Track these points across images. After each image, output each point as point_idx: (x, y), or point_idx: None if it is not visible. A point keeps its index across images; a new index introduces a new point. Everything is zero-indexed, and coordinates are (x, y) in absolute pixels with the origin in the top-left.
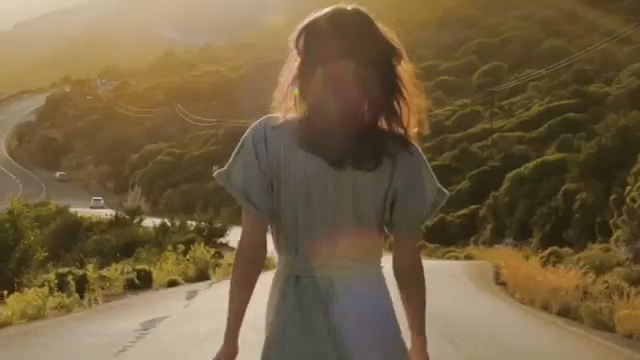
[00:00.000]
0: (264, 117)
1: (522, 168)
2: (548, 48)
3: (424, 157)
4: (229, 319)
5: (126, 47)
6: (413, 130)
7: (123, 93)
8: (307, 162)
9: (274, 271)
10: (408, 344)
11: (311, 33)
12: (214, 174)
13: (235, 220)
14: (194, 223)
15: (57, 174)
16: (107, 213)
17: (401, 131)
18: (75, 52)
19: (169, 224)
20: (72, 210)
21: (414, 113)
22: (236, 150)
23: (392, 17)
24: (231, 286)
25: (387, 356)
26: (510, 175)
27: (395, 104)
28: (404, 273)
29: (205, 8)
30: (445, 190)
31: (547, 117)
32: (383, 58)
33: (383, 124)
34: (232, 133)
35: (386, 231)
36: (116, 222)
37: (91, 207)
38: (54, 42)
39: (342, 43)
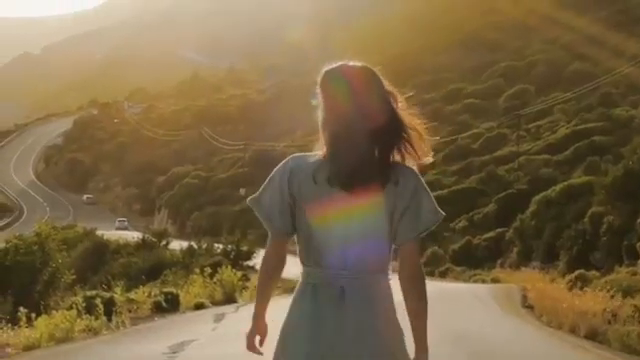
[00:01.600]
0: (290, 156)
1: (549, 191)
2: (574, 71)
3: (423, 181)
4: (256, 305)
5: (151, 70)
6: (422, 152)
7: (150, 116)
8: (323, 190)
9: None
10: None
11: (326, 84)
12: (247, 199)
13: (262, 243)
14: (221, 246)
15: (84, 197)
16: (134, 236)
17: (404, 159)
18: (102, 75)
19: (196, 247)
20: (99, 233)
21: (417, 141)
22: (266, 181)
23: (417, 41)
24: (258, 283)
25: (384, 355)
26: (537, 198)
27: (397, 138)
28: (406, 281)
29: (228, 31)
30: (442, 211)
31: (574, 140)
32: (384, 101)
33: (388, 154)
34: (258, 156)
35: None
36: (143, 245)
37: (116, 228)
38: (81, 65)
39: (351, 92)
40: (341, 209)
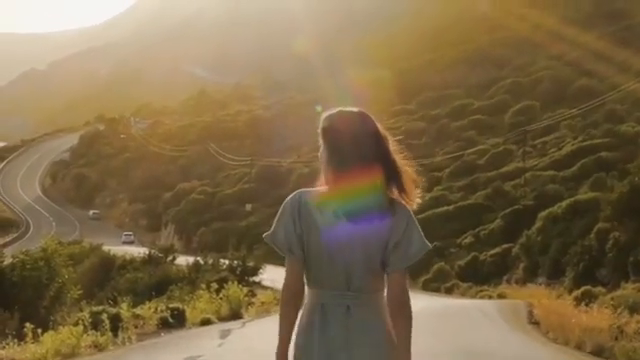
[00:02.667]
0: (298, 191)
1: (555, 207)
2: (579, 88)
3: (414, 217)
4: (280, 331)
5: (158, 85)
6: (412, 196)
7: (156, 131)
8: (328, 220)
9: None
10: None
11: (327, 129)
12: (263, 235)
13: (268, 259)
14: (227, 261)
15: (90, 212)
16: (140, 251)
17: (399, 195)
18: (108, 90)
19: (202, 262)
20: (105, 248)
21: (408, 181)
22: (278, 215)
23: (423, 57)
24: (281, 311)
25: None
26: (543, 214)
27: (392, 176)
28: (393, 302)
29: (235, 47)
30: (428, 243)
31: (580, 156)
32: (379, 143)
33: (388, 191)
34: (265, 172)
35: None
36: (149, 260)
37: (123, 242)
38: (87, 81)
39: (349, 134)
40: (345, 238)
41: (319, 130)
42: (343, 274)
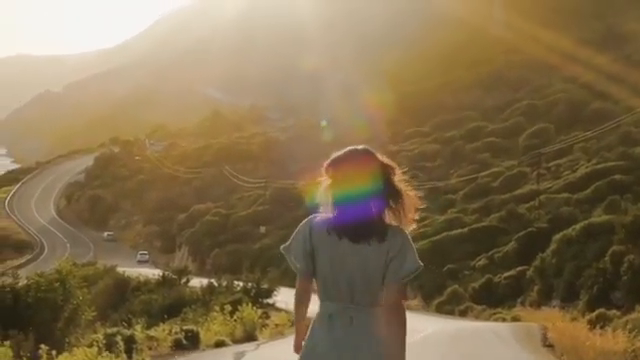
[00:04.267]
0: (310, 216)
1: (569, 230)
2: (594, 110)
3: (409, 239)
4: (295, 322)
5: (173, 107)
6: (409, 218)
7: (171, 153)
8: (333, 241)
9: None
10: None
11: (336, 163)
12: (281, 247)
13: (282, 281)
14: (241, 283)
15: (105, 234)
16: (154, 273)
17: (397, 221)
18: (123, 112)
19: (216, 284)
20: (120, 269)
21: (409, 208)
22: (294, 233)
23: (438, 79)
24: (294, 308)
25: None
26: (557, 237)
27: (393, 204)
28: (388, 312)
29: (250, 69)
30: (421, 263)
31: (594, 179)
32: (383, 173)
33: (385, 217)
34: (279, 194)
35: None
36: (163, 282)
37: (137, 261)
38: (102, 103)
39: (355, 167)
40: (348, 257)
41: (324, 168)
42: (347, 289)
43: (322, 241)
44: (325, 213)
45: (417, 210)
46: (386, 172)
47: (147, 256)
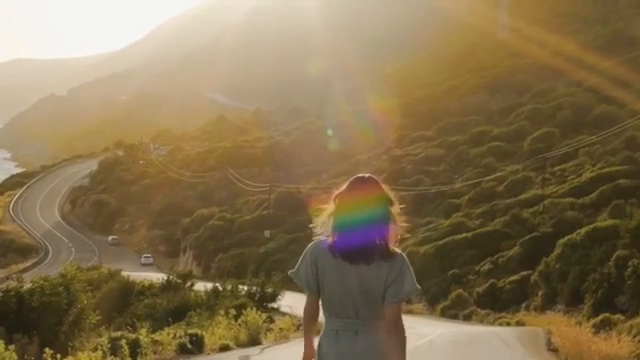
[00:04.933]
0: (317, 240)
1: (574, 234)
2: (599, 114)
3: (408, 262)
4: (305, 340)
5: (177, 111)
6: (395, 244)
7: (176, 157)
8: (337, 263)
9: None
10: None
11: (344, 192)
12: (289, 272)
13: (286, 285)
14: (245, 287)
15: (109, 238)
16: (159, 277)
17: (390, 245)
18: (127, 116)
19: (220, 288)
20: (124, 274)
21: (395, 237)
22: (301, 257)
23: (443, 84)
24: (303, 325)
25: None
26: (562, 241)
27: (389, 231)
28: (389, 326)
29: (254, 73)
30: (418, 285)
31: (599, 183)
32: (383, 203)
33: (385, 241)
34: (284, 198)
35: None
36: (168, 286)
37: (142, 264)
38: (107, 106)
39: (362, 194)
40: (351, 277)
41: (332, 197)
42: (351, 306)
43: (327, 263)
44: (327, 237)
45: (398, 240)
46: (389, 201)
47: (151, 259)
